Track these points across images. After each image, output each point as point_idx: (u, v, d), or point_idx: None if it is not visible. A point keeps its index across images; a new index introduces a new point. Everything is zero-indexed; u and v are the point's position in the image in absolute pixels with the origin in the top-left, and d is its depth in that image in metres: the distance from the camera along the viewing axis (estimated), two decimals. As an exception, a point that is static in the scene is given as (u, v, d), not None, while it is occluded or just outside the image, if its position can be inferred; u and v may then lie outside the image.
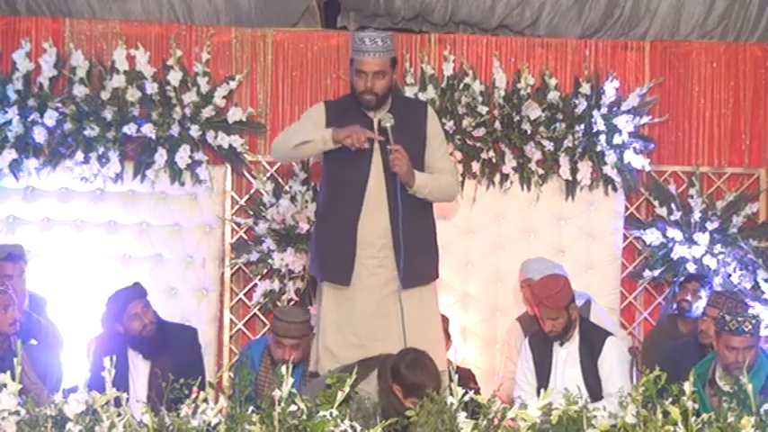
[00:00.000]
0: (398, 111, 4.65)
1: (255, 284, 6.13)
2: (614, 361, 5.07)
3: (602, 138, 6.24)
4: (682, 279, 6.08)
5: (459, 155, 6.17)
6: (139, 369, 5.15)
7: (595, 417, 3.52)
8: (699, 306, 5.76)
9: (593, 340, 5.13)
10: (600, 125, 6.24)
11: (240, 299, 6.18)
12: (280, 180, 6.19)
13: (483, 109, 6.20)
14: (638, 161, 6.28)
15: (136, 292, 5.21)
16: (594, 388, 5.01)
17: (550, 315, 5.07)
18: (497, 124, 6.22)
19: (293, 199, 6.09)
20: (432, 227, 4.84)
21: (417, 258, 4.68)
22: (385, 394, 4.23)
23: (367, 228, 4.65)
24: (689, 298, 5.87)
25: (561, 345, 5.15)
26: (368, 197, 4.65)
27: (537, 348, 5.21)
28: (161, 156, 6.05)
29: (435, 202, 4.89)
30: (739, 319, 4.70)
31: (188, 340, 5.38)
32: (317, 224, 4.91)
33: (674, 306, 6.01)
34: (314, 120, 4.80)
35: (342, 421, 3.44)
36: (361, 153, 4.65)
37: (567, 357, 5.13)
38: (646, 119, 6.34)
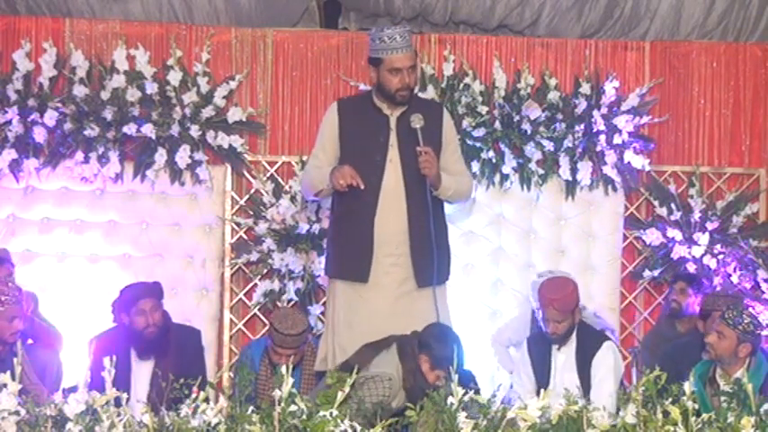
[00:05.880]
0: (416, 111, 4.63)
1: (255, 284, 6.13)
2: (609, 365, 4.96)
3: (602, 138, 6.24)
4: (671, 279, 6.08)
5: (458, 155, 6.17)
6: (141, 369, 5.14)
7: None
8: (689, 304, 5.77)
9: (589, 344, 5.04)
10: (600, 125, 6.24)
11: (240, 299, 6.18)
12: (280, 180, 6.19)
13: (483, 109, 6.20)
14: (638, 161, 6.27)
15: (151, 290, 5.18)
16: (588, 391, 4.95)
17: (557, 317, 4.97)
18: (497, 124, 6.22)
19: (293, 199, 6.09)
20: (446, 227, 4.86)
21: (441, 258, 4.69)
22: (410, 369, 4.39)
23: (383, 226, 4.63)
24: (677, 297, 5.86)
25: (559, 349, 5.05)
26: (383, 194, 4.63)
27: (535, 353, 5.10)
28: (161, 156, 6.05)
29: (453, 203, 4.90)
30: (742, 317, 4.70)
31: (191, 342, 5.37)
32: (332, 224, 4.90)
33: (666, 307, 6.01)
34: (326, 137, 4.77)
35: (342, 421, 3.44)
36: (376, 149, 4.64)
37: (565, 362, 5.03)
38: (646, 119, 6.34)
